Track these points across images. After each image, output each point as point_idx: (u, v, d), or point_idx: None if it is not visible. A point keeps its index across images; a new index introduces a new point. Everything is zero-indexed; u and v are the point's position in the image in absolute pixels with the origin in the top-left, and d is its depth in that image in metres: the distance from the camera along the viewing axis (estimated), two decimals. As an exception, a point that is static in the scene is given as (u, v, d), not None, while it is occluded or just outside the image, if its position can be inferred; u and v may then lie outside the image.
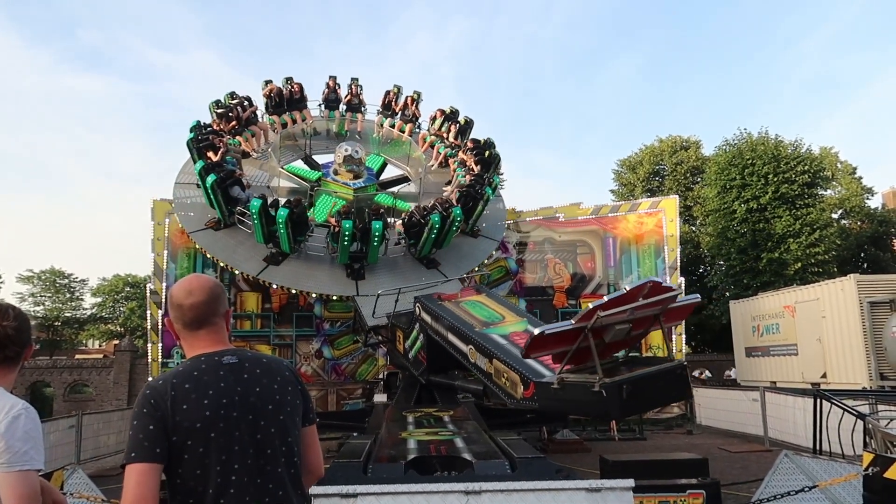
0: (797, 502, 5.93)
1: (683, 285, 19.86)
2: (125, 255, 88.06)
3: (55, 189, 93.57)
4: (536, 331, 5.79)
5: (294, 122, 18.16)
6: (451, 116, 17.86)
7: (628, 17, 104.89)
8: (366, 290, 13.64)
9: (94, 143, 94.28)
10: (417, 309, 10.68)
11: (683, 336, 20.01)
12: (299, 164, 18.33)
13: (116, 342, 38.43)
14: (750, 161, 27.02)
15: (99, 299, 48.18)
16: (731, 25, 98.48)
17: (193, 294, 2.17)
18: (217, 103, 17.21)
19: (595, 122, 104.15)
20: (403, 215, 15.03)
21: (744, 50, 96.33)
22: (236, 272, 15.51)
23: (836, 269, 26.93)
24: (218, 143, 15.03)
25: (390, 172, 19.24)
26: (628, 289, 5.64)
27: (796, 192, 26.49)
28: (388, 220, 15.29)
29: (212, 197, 14.25)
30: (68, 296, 47.57)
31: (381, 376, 17.78)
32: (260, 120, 17.71)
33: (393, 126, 18.73)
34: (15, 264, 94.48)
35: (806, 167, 26.85)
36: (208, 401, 2.02)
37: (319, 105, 19.08)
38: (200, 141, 15.11)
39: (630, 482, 3.98)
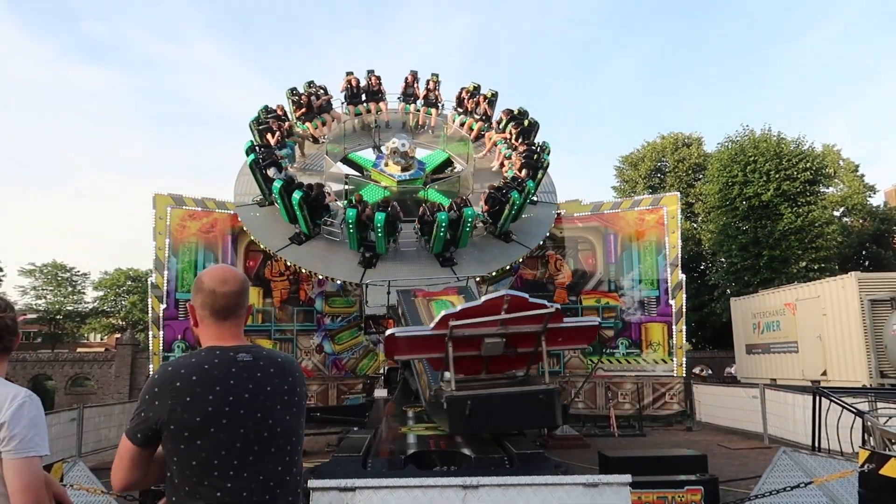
0: (795, 498, 5.95)
1: (684, 282, 19.82)
2: (127, 249, 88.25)
3: (57, 182, 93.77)
4: (388, 332, 5.79)
5: (369, 112, 18.32)
6: (516, 117, 17.39)
7: (631, 13, 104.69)
8: (370, 279, 13.78)
9: (95, 136, 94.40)
10: (397, 303, 10.78)
11: (684, 333, 19.99)
12: (366, 154, 18.53)
13: (118, 336, 38.58)
14: (752, 158, 26.99)
15: (100, 293, 48.32)
16: (734, 21, 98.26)
17: (228, 283, 2.20)
18: (292, 90, 17.62)
19: (597, 117, 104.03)
20: (420, 210, 14.64)
21: (747, 46, 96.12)
22: (263, 247, 15.66)
23: (837, 267, 26.93)
24: (276, 126, 15.75)
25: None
26: (483, 300, 5.52)
27: (798, 190, 26.47)
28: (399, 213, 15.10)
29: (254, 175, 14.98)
30: (70, 289, 47.71)
31: (381, 371, 17.82)
32: (334, 109, 18.02)
33: (463, 124, 18.39)
34: (17, 257, 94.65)
35: (808, 164, 26.82)
36: (213, 396, 2.04)
37: (399, 98, 18.98)
38: (261, 123, 16.00)
39: (627, 478, 4.00)
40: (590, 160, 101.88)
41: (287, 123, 16.43)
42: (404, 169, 16.35)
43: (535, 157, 15.75)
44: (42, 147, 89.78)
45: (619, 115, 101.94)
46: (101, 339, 53.92)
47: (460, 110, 18.54)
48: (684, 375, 19.67)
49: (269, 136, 15.62)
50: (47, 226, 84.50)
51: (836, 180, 35.79)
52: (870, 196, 36.56)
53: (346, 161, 18.41)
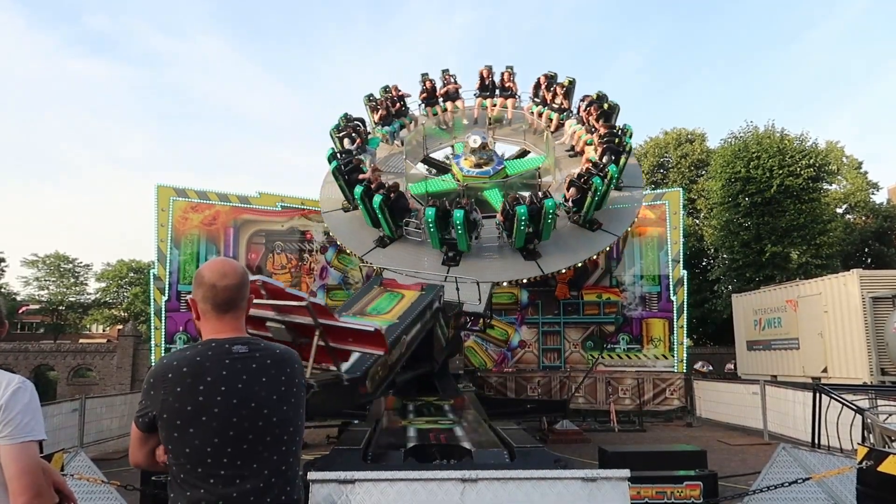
0: (793, 494, 5.97)
1: (686, 278, 19.84)
2: (129, 241, 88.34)
3: (59, 174, 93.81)
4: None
5: (445, 111, 18.11)
6: (595, 101, 16.24)
7: (634, 9, 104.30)
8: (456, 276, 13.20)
9: (96, 130, 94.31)
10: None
11: (685, 329, 20.03)
12: (445, 151, 18.59)
13: (120, 327, 38.67)
14: (755, 154, 26.93)
15: (103, 284, 48.43)
16: (738, 18, 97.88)
17: (227, 277, 2.23)
18: (369, 97, 17.60)
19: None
20: (501, 206, 13.98)
21: (750, 43, 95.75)
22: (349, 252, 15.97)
23: (839, 264, 26.90)
24: (354, 133, 15.76)
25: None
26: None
27: (801, 186, 26.41)
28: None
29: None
30: (73, 280, 47.80)
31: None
32: (411, 111, 18.04)
33: (541, 115, 17.58)
34: (19, 249, 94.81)
35: (811, 161, 26.76)
36: (203, 386, 2.09)
37: (474, 94, 18.33)
38: (341, 131, 15.95)
39: (626, 472, 4.01)
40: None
41: (365, 129, 16.47)
42: (479, 165, 15.79)
43: (617, 140, 14.84)
44: (43, 140, 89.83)
45: (623, 110, 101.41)
46: (104, 331, 54.08)
47: (537, 100, 17.67)
48: (685, 371, 19.71)
49: (347, 141, 15.61)
50: (48, 220, 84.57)
51: (839, 177, 35.72)
52: (873, 193, 36.51)
53: (427, 161, 18.53)
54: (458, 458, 6.47)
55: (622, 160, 14.39)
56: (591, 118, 15.91)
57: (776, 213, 26.34)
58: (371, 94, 17.26)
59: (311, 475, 4.03)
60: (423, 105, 17.82)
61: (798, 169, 26.44)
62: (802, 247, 25.83)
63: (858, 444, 5.07)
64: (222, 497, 2.04)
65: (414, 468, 5.04)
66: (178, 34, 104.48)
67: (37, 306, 47.66)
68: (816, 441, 9.70)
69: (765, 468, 7.03)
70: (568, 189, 13.92)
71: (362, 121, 16.54)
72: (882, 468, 4.07)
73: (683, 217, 20.56)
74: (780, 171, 26.31)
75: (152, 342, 19.00)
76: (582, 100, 16.58)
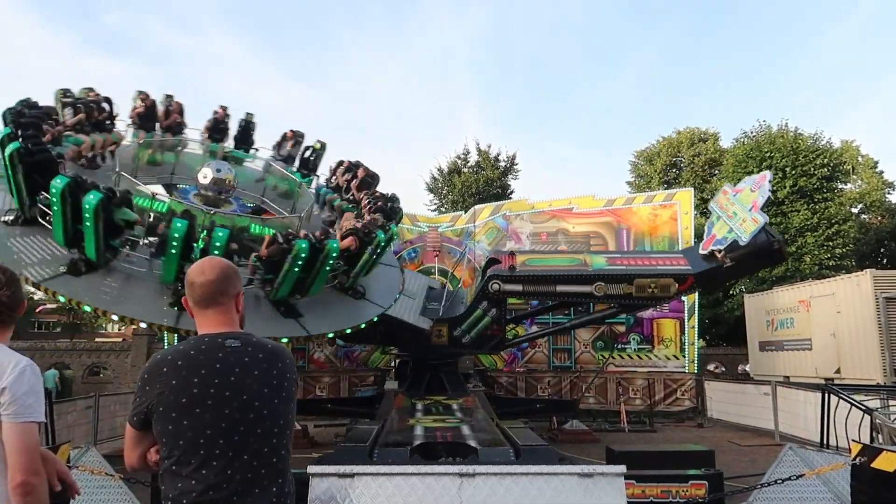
0: (797, 493, 5.95)
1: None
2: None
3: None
4: None
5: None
6: (351, 168, 14.43)
7: (647, 6, 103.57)
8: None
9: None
10: (497, 284, 11.84)
11: (696, 329, 19.93)
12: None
13: (135, 326, 39.03)
14: (768, 154, 26.76)
15: (118, 284, 48.81)
16: (753, 14, 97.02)
17: (205, 273, 2.29)
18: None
19: (613, 112, 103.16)
20: (268, 239, 10.16)
21: (766, 40, 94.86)
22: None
23: (854, 264, 26.66)
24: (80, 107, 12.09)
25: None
26: None
27: (815, 186, 26.21)
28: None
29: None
30: (88, 280, 48.22)
31: (392, 364, 17.96)
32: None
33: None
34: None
35: (825, 160, 26.55)
36: (198, 379, 2.14)
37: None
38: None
39: (621, 468, 4.04)
40: (605, 155, 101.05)
41: (59, 124, 11.25)
42: (218, 204, 12.17)
43: (389, 205, 13.14)
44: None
45: (636, 109, 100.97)
46: (119, 330, 54.51)
47: (280, 156, 15.43)
48: (696, 372, 19.62)
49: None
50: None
51: (854, 177, 35.38)
52: (889, 192, 36.14)
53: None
54: (464, 457, 6.53)
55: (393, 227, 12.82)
56: (350, 185, 14.10)
57: (789, 213, 26.15)
58: (68, 90, 12.44)
59: (311, 469, 4.09)
60: (135, 126, 13.55)
61: (812, 169, 26.24)
62: (815, 247, 25.63)
63: (853, 440, 5.06)
64: (212, 487, 2.08)
65: (415, 464, 5.10)
66: (193, 32, 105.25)
67: (53, 306, 48.16)
68: (825, 441, 9.64)
69: (771, 468, 7.01)
70: (343, 239, 10.84)
71: (54, 112, 11.52)
72: (875, 464, 4.07)
73: (695, 216, 20.44)
74: (793, 171, 26.12)
75: (165, 341, 19.19)
76: (338, 165, 14.96)
